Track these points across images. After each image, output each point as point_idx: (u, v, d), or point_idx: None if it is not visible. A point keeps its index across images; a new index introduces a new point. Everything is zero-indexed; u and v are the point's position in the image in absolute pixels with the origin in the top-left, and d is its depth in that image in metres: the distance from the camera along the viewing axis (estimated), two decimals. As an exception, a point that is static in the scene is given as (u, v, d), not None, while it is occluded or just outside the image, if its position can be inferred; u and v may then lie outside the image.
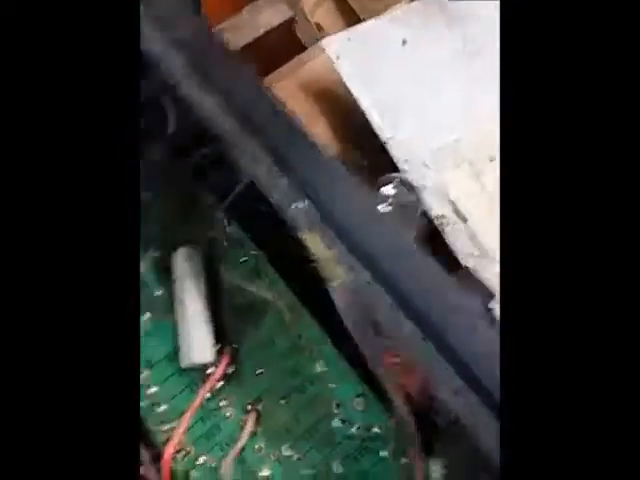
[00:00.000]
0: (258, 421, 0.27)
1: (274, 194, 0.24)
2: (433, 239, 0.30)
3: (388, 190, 0.31)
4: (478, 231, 0.30)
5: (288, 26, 0.38)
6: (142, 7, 0.24)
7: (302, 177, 0.23)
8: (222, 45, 0.27)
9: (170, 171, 0.33)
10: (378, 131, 0.32)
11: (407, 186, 0.31)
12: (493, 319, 0.20)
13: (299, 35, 0.38)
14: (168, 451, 0.26)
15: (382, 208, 0.30)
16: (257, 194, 0.26)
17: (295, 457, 0.26)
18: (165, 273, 0.30)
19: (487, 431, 0.17)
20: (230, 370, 0.28)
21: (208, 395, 0.27)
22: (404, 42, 0.34)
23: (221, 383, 0.27)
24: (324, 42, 0.34)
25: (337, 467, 0.26)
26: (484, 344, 0.18)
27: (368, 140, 0.33)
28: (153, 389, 0.27)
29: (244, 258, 0.31)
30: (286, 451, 0.27)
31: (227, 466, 0.26)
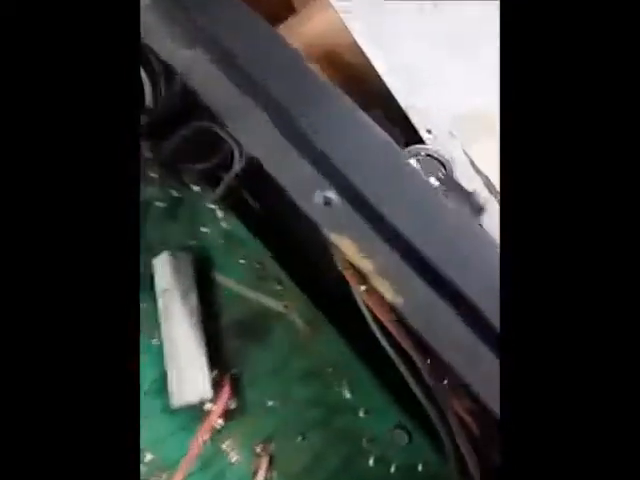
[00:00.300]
0: (271, 466, 0.22)
1: (285, 176, 0.19)
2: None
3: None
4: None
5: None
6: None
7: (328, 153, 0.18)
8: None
9: (150, 152, 0.28)
10: (397, 97, 0.28)
11: (432, 159, 0.27)
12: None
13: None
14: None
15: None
16: (261, 175, 0.22)
17: (320, 509, 0.22)
18: (148, 281, 0.25)
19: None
20: (232, 404, 0.23)
21: (207, 437, 0.22)
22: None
23: (221, 421, 0.22)
24: (329, -7, 0.29)
25: (372, 519, 0.22)
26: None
27: (385, 109, 0.29)
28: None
29: (243, 260, 0.26)
30: (308, 502, 0.22)
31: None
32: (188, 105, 0.32)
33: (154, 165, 0.28)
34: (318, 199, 0.19)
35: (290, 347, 0.24)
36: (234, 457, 0.23)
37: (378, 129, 0.19)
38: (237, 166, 0.28)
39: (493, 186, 0.27)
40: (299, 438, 0.23)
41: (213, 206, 0.27)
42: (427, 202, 0.19)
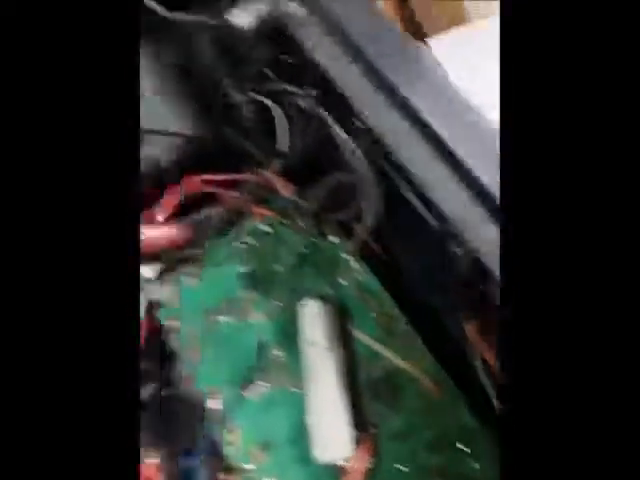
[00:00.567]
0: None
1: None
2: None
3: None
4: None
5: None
6: None
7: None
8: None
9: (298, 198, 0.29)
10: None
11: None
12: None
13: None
14: None
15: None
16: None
17: None
18: (287, 329, 0.26)
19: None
20: (369, 465, 0.23)
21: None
22: None
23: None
24: None
25: None
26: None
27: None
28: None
29: (374, 313, 0.26)
30: None
31: None
32: (325, 153, 0.33)
33: (302, 213, 0.29)
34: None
35: (421, 411, 0.24)
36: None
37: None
38: (369, 219, 0.30)
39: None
40: None
41: (348, 257, 0.29)
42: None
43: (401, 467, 0.23)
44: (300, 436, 0.24)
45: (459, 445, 0.23)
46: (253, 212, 0.31)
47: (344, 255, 0.28)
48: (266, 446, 0.24)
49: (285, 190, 0.31)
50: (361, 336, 0.25)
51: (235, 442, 0.24)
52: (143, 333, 0.27)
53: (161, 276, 0.30)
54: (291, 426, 0.24)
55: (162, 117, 0.33)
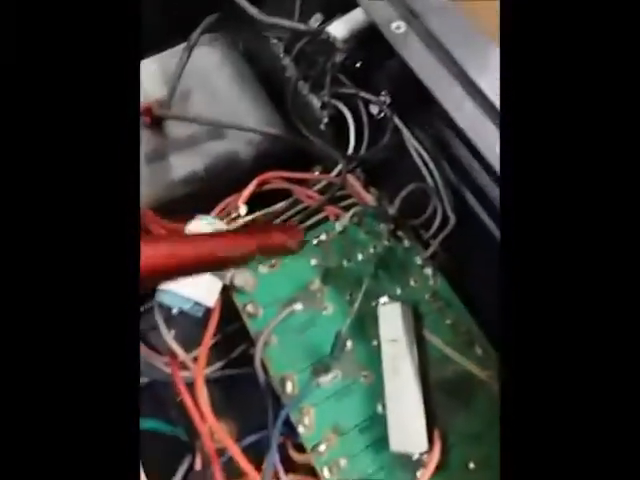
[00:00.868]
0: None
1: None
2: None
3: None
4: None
5: None
6: None
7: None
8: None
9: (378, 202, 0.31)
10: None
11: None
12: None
13: None
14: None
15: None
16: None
17: None
18: (356, 323, 0.28)
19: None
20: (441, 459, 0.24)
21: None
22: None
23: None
24: None
25: None
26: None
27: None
28: (342, 461, 0.25)
29: (450, 321, 0.28)
30: None
31: None
32: (399, 159, 0.35)
33: (377, 216, 0.31)
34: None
35: (492, 416, 0.25)
36: (434, 510, 0.24)
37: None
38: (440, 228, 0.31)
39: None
40: None
41: (421, 262, 0.31)
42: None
43: (472, 465, 0.24)
44: (371, 424, 0.25)
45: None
46: (327, 211, 0.33)
47: (417, 260, 0.30)
48: (337, 430, 0.25)
49: (363, 194, 0.33)
50: (434, 340, 0.27)
51: (308, 424, 0.26)
52: (216, 313, 0.29)
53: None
54: (361, 414, 0.26)
55: (242, 114, 0.35)
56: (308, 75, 0.36)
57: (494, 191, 0.31)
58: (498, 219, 0.31)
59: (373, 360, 0.27)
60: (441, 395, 0.26)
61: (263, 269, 0.30)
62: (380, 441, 0.25)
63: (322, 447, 0.25)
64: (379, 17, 0.28)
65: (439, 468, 0.24)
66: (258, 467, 0.25)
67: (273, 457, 0.25)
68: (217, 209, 0.32)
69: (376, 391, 0.26)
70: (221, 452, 0.26)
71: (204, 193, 0.33)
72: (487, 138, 0.24)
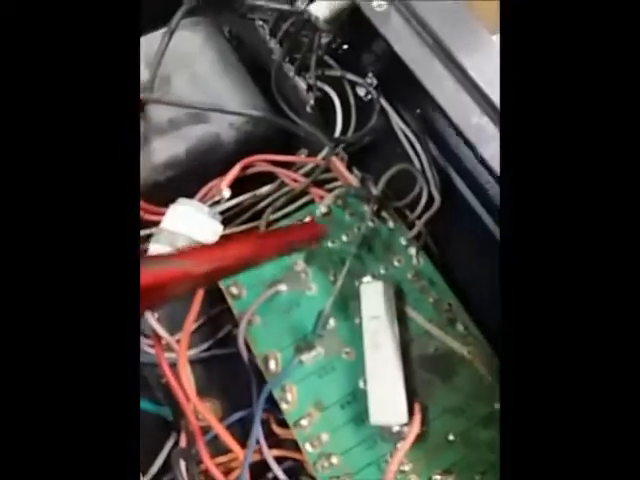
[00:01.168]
0: (448, 497, 0.24)
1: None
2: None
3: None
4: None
5: None
6: None
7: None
8: None
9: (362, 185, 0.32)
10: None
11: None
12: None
13: None
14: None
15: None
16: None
17: None
18: (339, 302, 0.29)
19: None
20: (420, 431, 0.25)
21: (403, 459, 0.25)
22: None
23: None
24: None
25: None
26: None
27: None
28: (324, 436, 0.26)
29: (432, 299, 0.29)
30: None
31: None
32: (385, 141, 0.36)
33: (361, 198, 0.32)
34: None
35: (473, 391, 0.26)
36: (413, 480, 0.25)
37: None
38: (424, 210, 0.32)
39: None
40: (477, 477, 0.25)
41: (405, 242, 0.31)
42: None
43: (452, 437, 0.25)
44: (353, 399, 0.26)
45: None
46: (311, 193, 0.34)
47: (402, 241, 0.31)
48: (319, 406, 0.26)
49: (347, 175, 0.34)
50: (416, 317, 0.28)
51: (291, 400, 0.27)
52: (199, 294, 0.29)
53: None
54: (343, 390, 0.27)
55: (225, 97, 0.36)
56: (294, 57, 0.37)
57: (476, 170, 0.32)
58: (482, 199, 0.32)
59: (355, 337, 0.27)
60: (422, 370, 0.27)
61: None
62: (361, 415, 0.26)
63: (304, 422, 0.26)
64: (361, -5, 0.29)
65: (419, 439, 0.25)
66: (243, 443, 0.26)
67: (257, 433, 0.26)
68: (200, 193, 0.33)
69: (358, 367, 0.27)
70: (206, 430, 0.27)
71: (187, 177, 0.33)
72: (467, 116, 0.25)
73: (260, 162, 0.35)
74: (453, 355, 0.27)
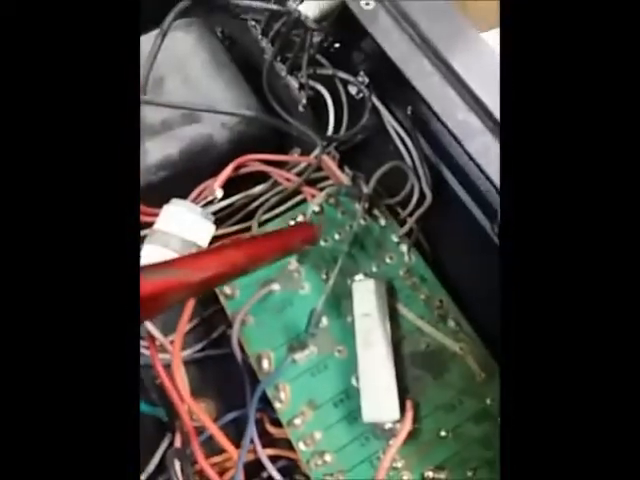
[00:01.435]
0: (440, 493, 0.25)
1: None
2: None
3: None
4: None
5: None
6: None
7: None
8: None
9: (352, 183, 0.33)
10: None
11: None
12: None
13: None
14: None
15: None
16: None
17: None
18: (332, 301, 0.29)
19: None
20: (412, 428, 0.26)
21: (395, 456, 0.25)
22: None
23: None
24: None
25: None
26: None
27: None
28: (317, 434, 0.26)
29: (424, 296, 0.29)
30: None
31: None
32: (377, 139, 0.37)
33: (353, 196, 0.33)
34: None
35: (465, 387, 0.26)
36: (405, 477, 0.25)
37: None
38: (416, 207, 0.33)
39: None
40: (470, 472, 0.25)
41: (397, 239, 0.32)
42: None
43: (444, 433, 0.26)
44: (346, 397, 0.27)
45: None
46: (304, 192, 0.35)
47: (393, 238, 0.31)
48: (312, 404, 0.27)
49: (338, 173, 0.34)
50: (407, 313, 0.28)
51: (284, 399, 0.27)
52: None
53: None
54: (336, 388, 0.27)
55: (218, 98, 0.36)
56: (286, 57, 0.37)
57: (468, 166, 0.32)
58: (474, 195, 0.33)
59: (348, 335, 0.28)
60: (414, 367, 0.27)
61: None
62: (354, 413, 0.26)
63: (297, 421, 0.26)
64: (349, -7, 0.29)
65: (411, 436, 0.25)
66: (237, 443, 0.26)
67: (251, 432, 0.26)
68: (194, 193, 0.34)
69: (350, 365, 0.27)
70: (201, 430, 0.28)
71: (180, 178, 0.34)
72: (454, 112, 0.26)
73: (253, 162, 0.36)
74: (445, 351, 0.27)
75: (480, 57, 0.25)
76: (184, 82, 0.37)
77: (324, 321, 0.29)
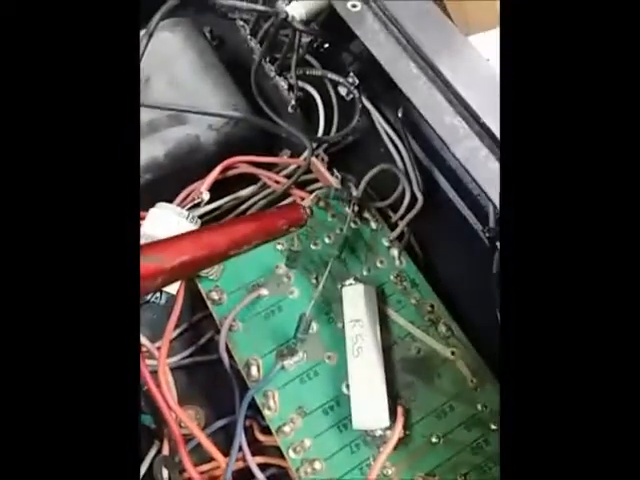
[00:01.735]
0: (431, 499, 0.25)
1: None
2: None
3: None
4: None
5: None
6: None
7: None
8: None
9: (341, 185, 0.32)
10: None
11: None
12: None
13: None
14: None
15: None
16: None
17: None
18: (321, 306, 0.29)
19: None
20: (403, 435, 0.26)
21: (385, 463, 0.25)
22: None
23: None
24: None
25: None
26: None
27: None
28: (307, 441, 0.26)
29: (415, 300, 0.29)
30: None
31: None
32: (367, 141, 0.37)
33: (343, 199, 0.32)
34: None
35: (456, 393, 0.26)
36: (397, 484, 0.25)
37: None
38: (407, 210, 0.33)
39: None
40: (461, 478, 0.25)
41: (387, 244, 0.32)
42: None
43: (434, 439, 0.26)
44: (336, 404, 0.27)
45: (493, 426, 0.26)
46: (293, 194, 0.34)
47: (384, 242, 0.31)
48: (302, 411, 0.27)
49: (327, 176, 0.34)
50: (397, 318, 0.28)
51: (273, 407, 0.27)
52: (179, 300, 0.30)
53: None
54: (326, 395, 0.27)
55: (205, 99, 0.36)
56: (275, 57, 0.37)
57: (459, 169, 0.32)
58: (465, 198, 0.33)
59: (338, 341, 0.28)
60: (405, 373, 0.27)
61: (228, 255, 0.31)
62: (344, 420, 0.26)
63: (287, 428, 0.26)
64: (336, -5, 0.29)
65: (402, 443, 0.25)
66: (226, 451, 0.26)
67: (240, 440, 0.26)
68: (180, 196, 0.34)
69: (340, 372, 0.27)
70: (189, 438, 0.27)
71: (167, 180, 0.34)
72: (441, 115, 0.26)
73: (241, 164, 0.35)
74: (435, 357, 0.27)
75: (466, 60, 0.26)
76: (171, 83, 0.36)
77: (314, 327, 0.29)
